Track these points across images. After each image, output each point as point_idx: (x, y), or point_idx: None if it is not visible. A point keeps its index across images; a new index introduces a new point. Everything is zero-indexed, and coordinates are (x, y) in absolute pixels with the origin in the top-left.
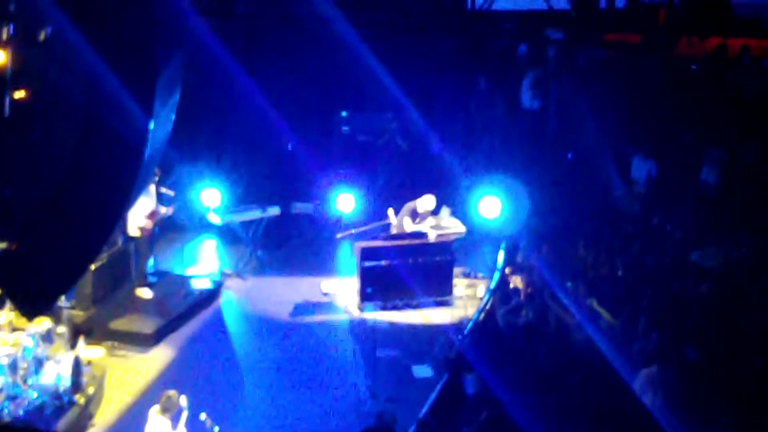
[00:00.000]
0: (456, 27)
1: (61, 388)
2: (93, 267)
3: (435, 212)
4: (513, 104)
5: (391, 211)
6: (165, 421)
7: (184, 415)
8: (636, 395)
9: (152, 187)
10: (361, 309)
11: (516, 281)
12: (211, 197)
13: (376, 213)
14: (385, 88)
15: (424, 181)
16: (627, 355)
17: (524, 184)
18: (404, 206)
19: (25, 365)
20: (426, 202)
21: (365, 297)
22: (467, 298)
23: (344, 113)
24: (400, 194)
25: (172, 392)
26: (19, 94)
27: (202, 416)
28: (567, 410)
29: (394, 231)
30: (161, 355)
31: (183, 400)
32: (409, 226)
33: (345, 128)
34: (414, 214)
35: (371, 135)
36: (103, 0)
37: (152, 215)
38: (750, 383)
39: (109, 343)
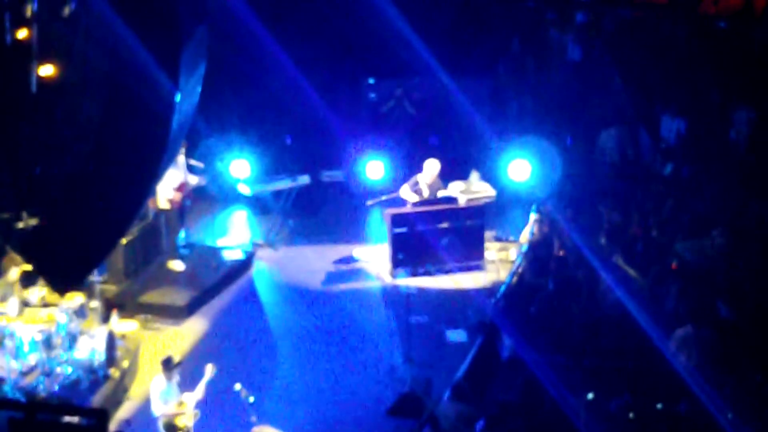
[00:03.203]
0: None
1: (96, 363)
2: (124, 241)
3: (464, 177)
4: (544, 67)
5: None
6: (168, 383)
7: (204, 379)
8: (669, 356)
9: (181, 159)
10: (393, 275)
11: (534, 233)
12: (240, 168)
13: (405, 179)
14: (410, 54)
15: (452, 144)
16: (658, 314)
17: (555, 146)
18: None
19: (60, 341)
20: (427, 169)
21: (397, 263)
22: (499, 262)
23: (371, 80)
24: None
25: (173, 354)
26: (46, 71)
27: (237, 386)
28: (602, 373)
29: (415, 199)
30: (194, 327)
31: (208, 368)
32: (441, 192)
33: (372, 95)
34: (414, 185)
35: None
36: None
37: (181, 187)
38: None
39: (142, 316)
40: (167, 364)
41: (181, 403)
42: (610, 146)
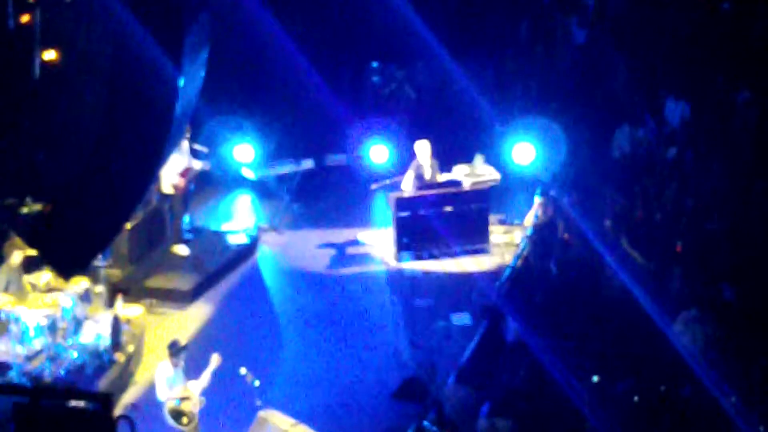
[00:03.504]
0: None
1: (101, 347)
2: (128, 226)
3: (468, 160)
4: (549, 50)
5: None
6: (174, 369)
7: (210, 367)
8: (673, 339)
9: (185, 144)
10: (398, 259)
11: (539, 217)
12: (244, 152)
13: (408, 162)
14: (414, 38)
15: (456, 128)
16: (663, 297)
17: (560, 129)
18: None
19: (65, 325)
20: (420, 152)
21: (401, 247)
22: (504, 245)
23: (375, 64)
24: (434, 143)
25: (179, 338)
26: (49, 56)
27: (242, 371)
28: (606, 357)
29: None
30: (199, 312)
31: (214, 358)
32: (441, 177)
33: (375, 79)
34: (417, 170)
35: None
36: None
37: (185, 172)
38: None
39: (147, 301)
40: (173, 348)
41: (186, 391)
42: (623, 143)
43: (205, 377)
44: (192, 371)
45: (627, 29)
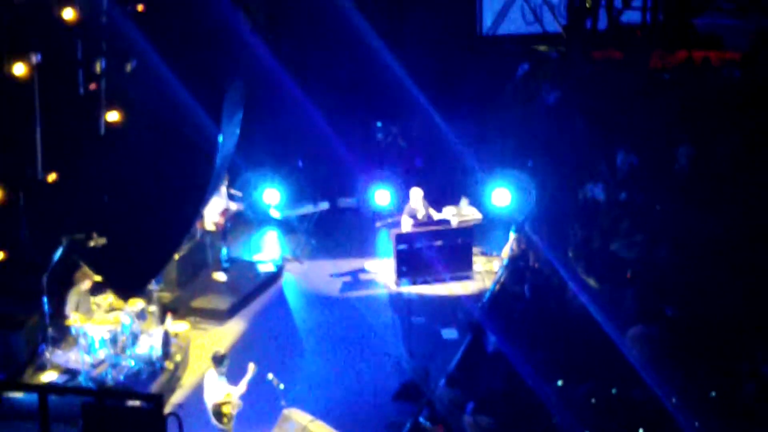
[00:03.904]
0: (471, 49)
1: (154, 357)
2: (177, 256)
3: (455, 202)
4: (526, 113)
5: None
6: (219, 377)
7: (247, 376)
8: (624, 350)
9: (223, 189)
10: (398, 284)
11: (513, 249)
12: (272, 196)
13: (405, 203)
14: (411, 102)
15: (444, 175)
16: (616, 316)
17: (531, 177)
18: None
19: (124, 339)
20: (413, 197)
21: (400, 274)
22: (485, 273)
23: (379, 123)
24: (427, 188)
25: (220, 349)
26: (112, 117)
27: (269, 376)
28: (570, 364)
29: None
30: (235, 327)
31: (250, 366)
32: (435, 215)
33: (379, 135)
34: (411, 212)
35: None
36: (183, 40)
37: (224, 212)
38: (721, 338)
39: (192, 318)
40: (217, 359)
41: (227, 395)
42: (586, 189)
43: (243, 384)
44: (228, 377)
45: (587, 94)
